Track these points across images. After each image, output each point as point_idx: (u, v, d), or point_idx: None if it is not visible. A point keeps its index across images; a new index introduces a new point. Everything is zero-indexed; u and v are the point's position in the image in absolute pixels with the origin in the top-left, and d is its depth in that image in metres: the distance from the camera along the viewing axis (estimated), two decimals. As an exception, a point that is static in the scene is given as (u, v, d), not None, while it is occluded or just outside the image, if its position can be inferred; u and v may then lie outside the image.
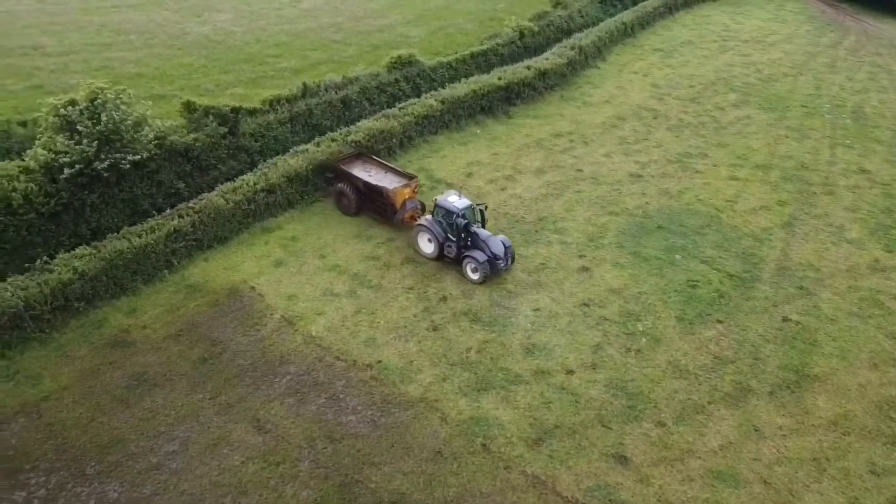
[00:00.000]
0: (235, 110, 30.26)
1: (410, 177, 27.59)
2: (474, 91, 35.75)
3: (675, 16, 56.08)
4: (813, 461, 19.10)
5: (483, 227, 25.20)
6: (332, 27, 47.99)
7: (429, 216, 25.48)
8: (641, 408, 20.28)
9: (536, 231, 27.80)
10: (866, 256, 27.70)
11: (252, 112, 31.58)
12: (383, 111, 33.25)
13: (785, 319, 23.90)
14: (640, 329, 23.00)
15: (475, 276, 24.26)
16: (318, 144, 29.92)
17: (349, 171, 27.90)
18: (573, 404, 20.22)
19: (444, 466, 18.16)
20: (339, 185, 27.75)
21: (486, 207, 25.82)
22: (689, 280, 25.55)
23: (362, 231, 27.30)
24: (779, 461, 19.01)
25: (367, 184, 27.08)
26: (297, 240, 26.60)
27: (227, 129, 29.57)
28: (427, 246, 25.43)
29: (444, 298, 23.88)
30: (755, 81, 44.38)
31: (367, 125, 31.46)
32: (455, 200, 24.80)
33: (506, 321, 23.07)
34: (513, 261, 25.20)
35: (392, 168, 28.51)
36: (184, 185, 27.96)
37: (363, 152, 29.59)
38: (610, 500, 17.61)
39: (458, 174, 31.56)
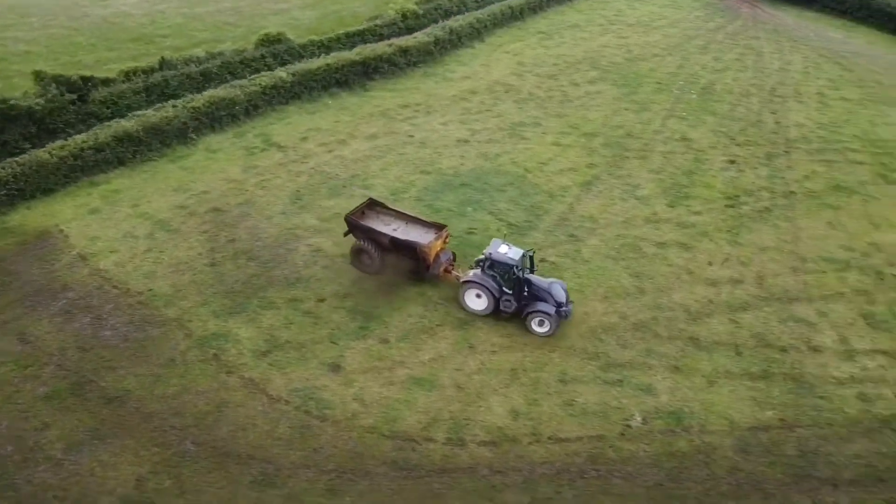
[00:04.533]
0: (86, 79, 32.95)
1: (439, 227, 24.95)
2: (328, 65, 38.32)
3: (572, 1, 58.51)
4: (510, 371, 21.67)
5: (532, 272, 23.66)
6: (231, 11, 50.71)
7: (475, 270, 23.29)
8: (374, 328, 22.87)
9: (344, 186, 30.38)
10: (647, 210, 30.21)
11: (106, 81, 34.26)
12: (231, 82, 35.84)
13: (542, 260, 26.41)
14: (402, 266, 25.57)
15: (543, 330, 22.58)
16: (157, 110, 32.54)
17: (370, 226, 24.88)
18: (312, 325, 22.84)
19: (173, 370, 20.80)
20: (359, 242, 24.53)
21: (533, 252, 24.32)
22: (469, 228, 28.09)
23: (182, 185, 29.91)
24: (479, 371, 21.57)
25: (394, 240, 24.19)
26: (118, 192, 29.24)
27: (76, 97, 32.26)
28: (477, 303, 23.14)
29: (232, 241, 26.48)
30: (621, 61, 46.83)
31: (210, 93, 34.10)
32: (507, 251, 22.71)
33: (282, 259, 25.68)
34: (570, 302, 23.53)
35: (412, 217, 25.81)
36: (30, 145, 30.59)
37: (374, 200, 26.34)
38: (310, 399, 20.21)
39: (294, 138, 34.15)
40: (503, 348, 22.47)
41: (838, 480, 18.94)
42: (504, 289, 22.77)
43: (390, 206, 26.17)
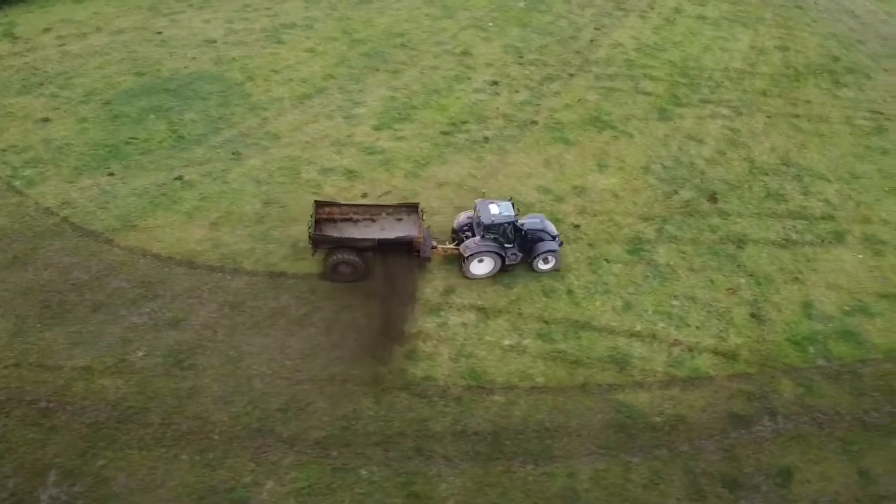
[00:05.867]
0: None
1: (410, 206, 22.74)
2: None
3: None
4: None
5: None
6: None
7: (473, 241, 21.65)
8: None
9: (41, 84, 29.10)
10: (346, 132, 27.86)
11: None
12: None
13: (176, 178, 24.99)
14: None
15: (549, 266, 22.46)
16: None
17: (346, 235, 21.68)
18: None
19: None
20: (335, 257, 21.10)
21: (512, 198, 23.35)
22: (130, 137, 26.67)
23: None
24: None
25: (383, 241, 21.34)
26: None
27: None
28: (482, 268, 22.07)
29: None
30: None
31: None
32: (499, 210, 21.67)
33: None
34: None
35: (375, 206, 22.97)
36: None
37: (319, 200, 22.53)
38: None
39: (38, 29, 32.70)
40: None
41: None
42: (506, 245, 21.91)
43: (343, 202, 22.89)
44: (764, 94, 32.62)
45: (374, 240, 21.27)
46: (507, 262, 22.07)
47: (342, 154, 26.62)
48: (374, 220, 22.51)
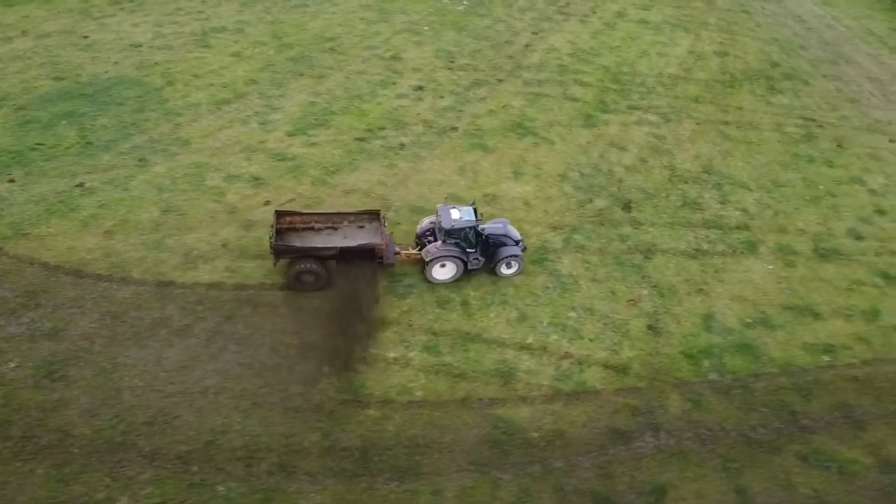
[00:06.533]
0: None
1: (372, 213, 22.63)
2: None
3: None
4: None
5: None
6: None
7: (435, 246, 21.83)
8: None
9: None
10: (258, 137, 27.56)
11: None
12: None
13: (77, 185, 24.68)
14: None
15: (511, 271, 22.65)
16: None
17: (309, 244, 21.47)
18: None
19: None
20: (297, 266, 20.94)
21: (475, 203, 23.23)
22: (37, 142, 26.35)
23: None
24: None
25: (346, 249, 21.20)
26: None
27: None
28: (444, 272, 22.18)
29: None
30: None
31: None
32: (460, 216, 21.85)
33: None
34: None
35: (335, 214, 22.70)
36: None
37: (279, 210, 22.39)
38: None
39: None
40: None
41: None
42: (468, 249, 22.03)
43: (304, 211, 22.71)
44: (696, 100, 32.26)
45: (336, 248, 21.17)
46: (469, 267, 22.25)
47: (251, 160, 26.29)
48: (336, 229, 22.36)
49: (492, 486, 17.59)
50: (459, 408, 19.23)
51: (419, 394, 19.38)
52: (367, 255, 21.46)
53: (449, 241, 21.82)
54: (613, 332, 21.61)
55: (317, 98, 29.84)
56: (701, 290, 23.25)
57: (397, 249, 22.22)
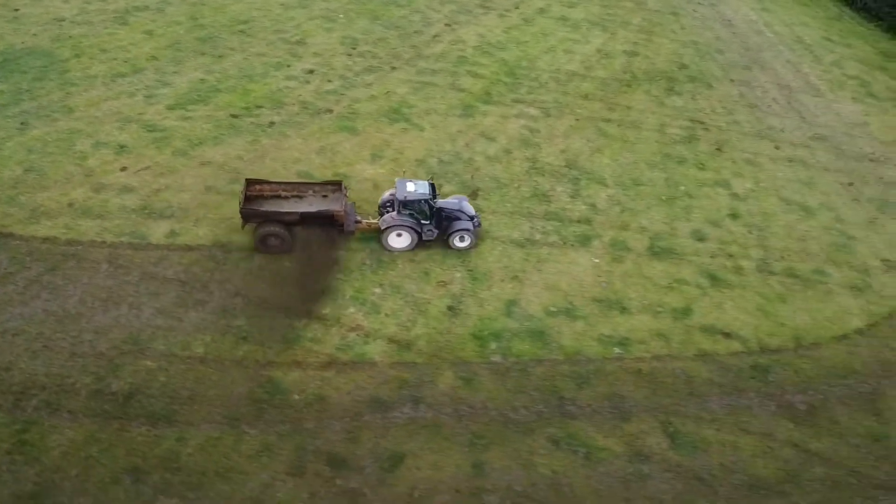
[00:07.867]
0: None
1: (335, 184, 24.51)
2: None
3: None
4: None
5: (435, 198, 24.07)
6: None
7: (391, 216, 23.61)
8: None
9: None
10: (137, 109, 29.11)
11: None
12: None
13: (-44, 142, 26.74)
14: None
15: (465, 244, 24.23)
16: None
17: (273, 209, 23.38)
18: None
19: None
20: (263, 230, 22.92)
21: (433, 179, 25.23)
22: (-70, 106, 28.56)
23: None
24: None
25: (306, 214, 23.13)
26: None
27: None
28: (399, 241, 23.91)
29: None
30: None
31: None
32: (414, 188, 23.51)
33: None
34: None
35: (301, 183, 24.77)
36: None
37: (249, 179, 24.18)
38: None
39: None
40: None
41: None
42: (422, 221, 23.85)
43: (272, 181, 24.55)
44: (585, 97, 32.54)
45: (297, 213, 23.13)
46: (423, 238, 23.97)
47: (123, 130, 27.94)
48: (301, 197, 24.35)
49: (236, 439, 18.66)
50: (235, 367, 20.35)
51: (200, 350, 20.58)
52: (328, 222, 23.36)
53: (404, 212, 23.50)
54: (412, 309, 22.39)
55: (208, 76, 31.34)
56: (516, 277, 23.81)
57: (358, 218, 24.13)
